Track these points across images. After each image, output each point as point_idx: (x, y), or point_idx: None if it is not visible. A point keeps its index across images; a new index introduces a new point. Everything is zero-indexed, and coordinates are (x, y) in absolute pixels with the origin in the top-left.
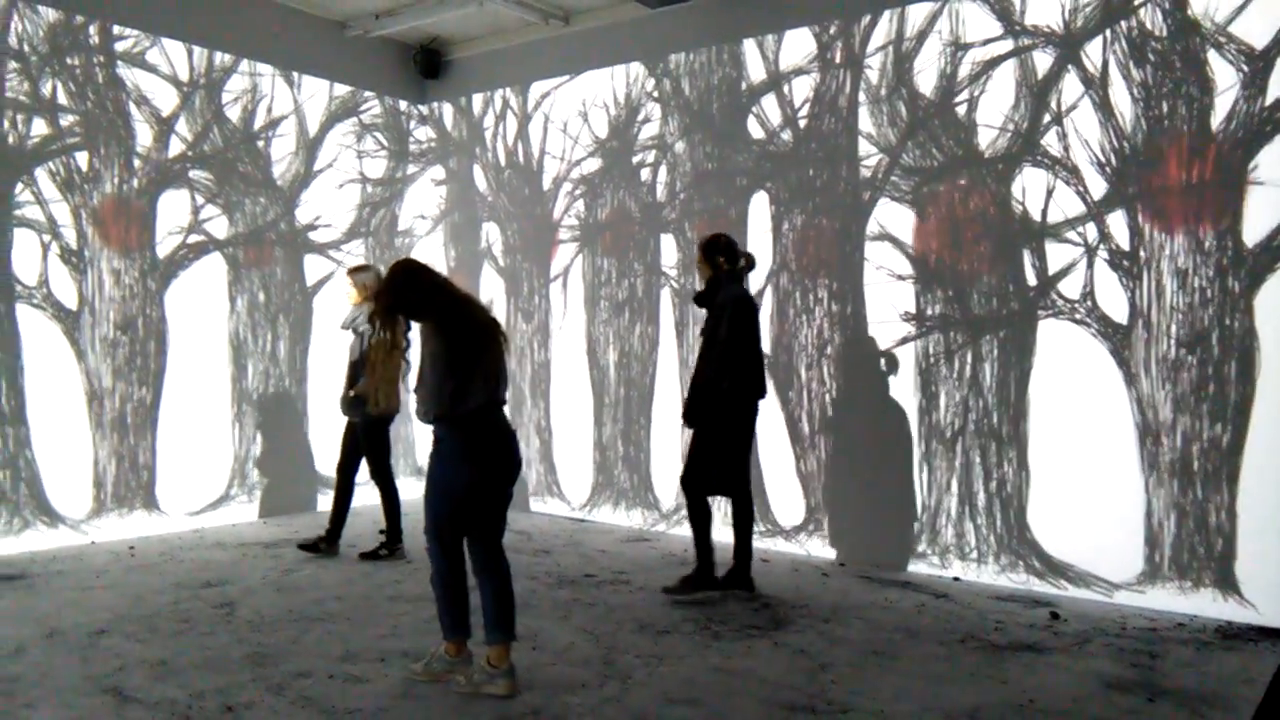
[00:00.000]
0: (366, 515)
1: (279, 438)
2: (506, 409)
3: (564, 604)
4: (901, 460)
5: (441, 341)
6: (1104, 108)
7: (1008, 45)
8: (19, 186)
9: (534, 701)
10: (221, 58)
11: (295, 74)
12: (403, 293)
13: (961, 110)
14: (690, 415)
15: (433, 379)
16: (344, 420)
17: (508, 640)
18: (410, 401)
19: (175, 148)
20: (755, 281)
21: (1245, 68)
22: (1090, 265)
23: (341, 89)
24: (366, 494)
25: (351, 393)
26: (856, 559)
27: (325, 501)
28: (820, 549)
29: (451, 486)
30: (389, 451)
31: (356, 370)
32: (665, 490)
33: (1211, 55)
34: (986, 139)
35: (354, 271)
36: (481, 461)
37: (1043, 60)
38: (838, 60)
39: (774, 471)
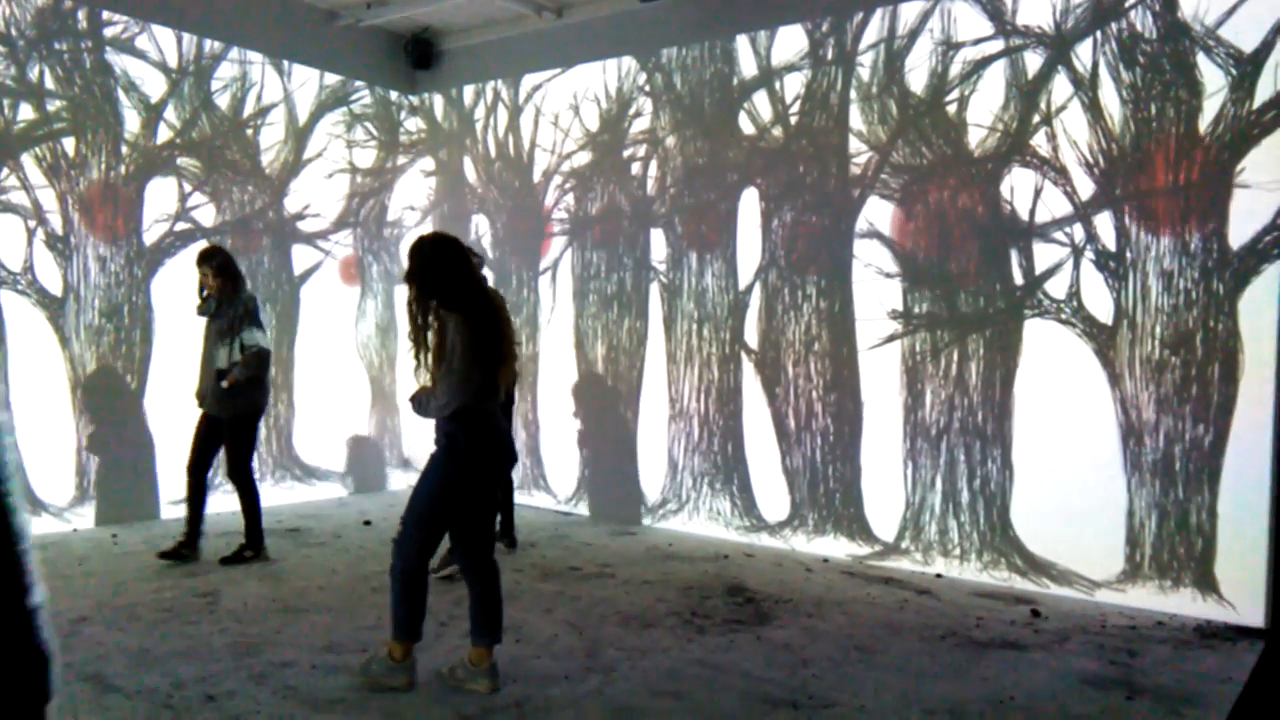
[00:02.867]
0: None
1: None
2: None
3: (548, 597)
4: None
5: (470, 332)
6: (1093, 109)
7: (999, 45)
8: (4, 171)
9: (517, 694)
10: (211, 45)
11: (285, 62)
12: (442, 275)
13: (952, 109)
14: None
15: (461, 370)
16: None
17: (491, 644)
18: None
19: (163, 134)
20: (744, 276)
21: (1234, 71)
22: (1077, 265)
23: (332, 78)
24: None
25: (224, 384)
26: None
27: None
28: (804, 544)
29: (458, 484)
30: (255, 449)
31: (213, 360)
32: (650, 484)
33: (1201, 58)
34: (976, 138)
35: (207, 257)
36: (490, 460)
37: (1033, 60)
38: (829, 57)
39: (759, 468)
